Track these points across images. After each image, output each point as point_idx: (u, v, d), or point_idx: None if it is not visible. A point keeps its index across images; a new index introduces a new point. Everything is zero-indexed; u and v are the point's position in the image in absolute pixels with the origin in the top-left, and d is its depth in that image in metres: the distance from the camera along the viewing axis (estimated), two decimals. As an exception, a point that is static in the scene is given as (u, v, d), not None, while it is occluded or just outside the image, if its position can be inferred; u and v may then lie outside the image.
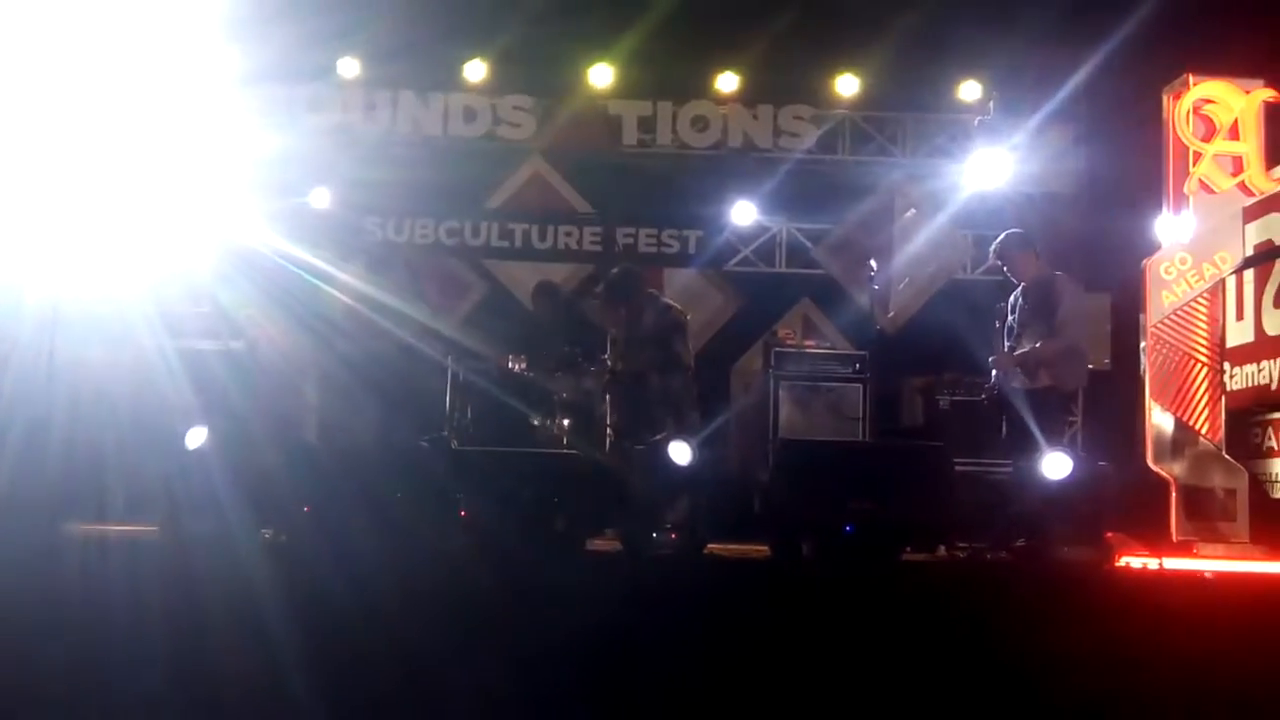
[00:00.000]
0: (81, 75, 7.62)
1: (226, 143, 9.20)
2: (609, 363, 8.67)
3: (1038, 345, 7.49)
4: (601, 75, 10.89)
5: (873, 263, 9.12)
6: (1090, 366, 8.85)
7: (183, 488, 6.65)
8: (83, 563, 5.09)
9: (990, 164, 10.74)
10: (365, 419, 8.30)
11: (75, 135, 7.61)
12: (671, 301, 8.82)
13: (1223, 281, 7.87)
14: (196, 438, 6.97)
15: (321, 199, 10.65)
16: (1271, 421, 7.56)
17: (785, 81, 11.12)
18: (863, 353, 9.95)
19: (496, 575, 5.90)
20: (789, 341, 10.46)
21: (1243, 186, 7.81)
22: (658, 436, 7.90)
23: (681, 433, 7.70)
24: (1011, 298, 7.80)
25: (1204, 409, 7.78)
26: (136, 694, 3.57)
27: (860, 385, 9.74)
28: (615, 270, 8.95)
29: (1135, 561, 6.96)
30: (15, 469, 6.18)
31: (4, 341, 6.91)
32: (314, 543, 6.65)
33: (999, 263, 7.86)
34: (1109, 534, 7.18)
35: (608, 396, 8.67)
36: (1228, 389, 7.83)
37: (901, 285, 11.12)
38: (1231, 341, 7.89)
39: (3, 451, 6.27)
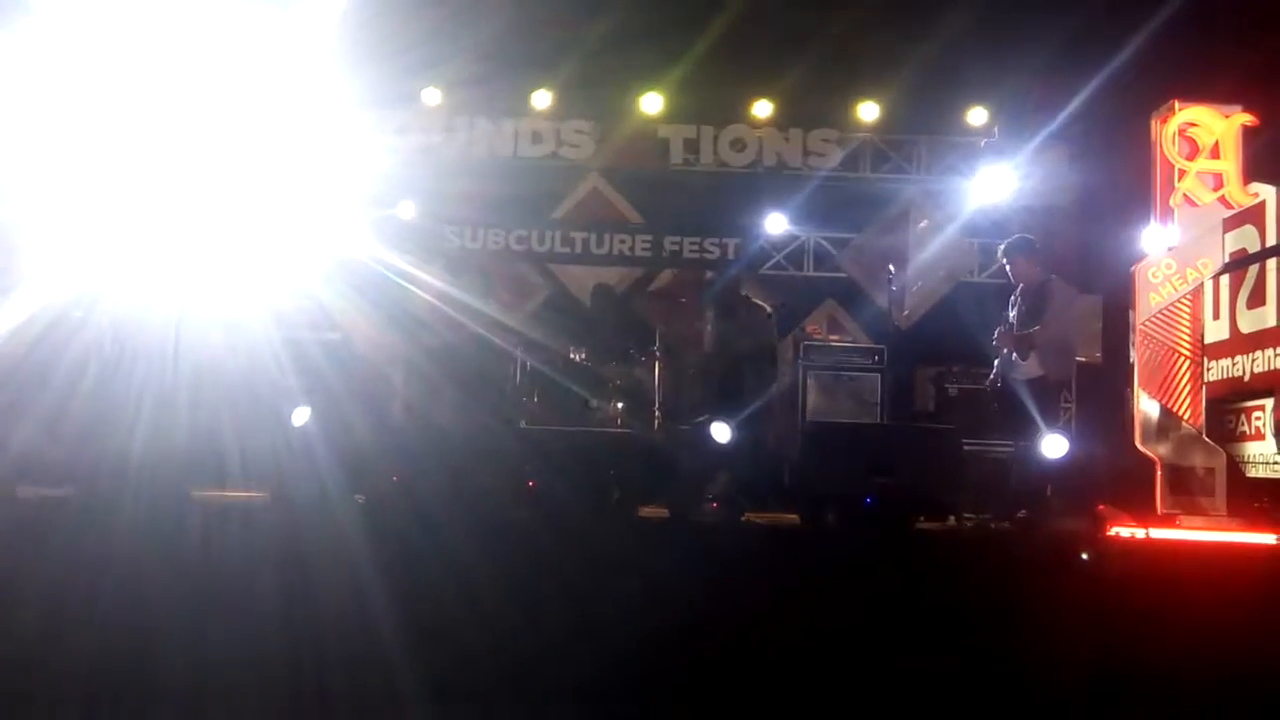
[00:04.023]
0: (200, 107, 7.74)
1: (326, 161, 9.27)
2: (711, 357, 8.55)
3: (1030, 330, 7.43)
4: (652, 102, 10.89)
5: (890, 267, 9.07)
6: (1083, 359, 8.77)
7: (289, 459, 6.73)
8: (205, 522, 5.17)
9: (995, 181, 10.62)
10: (445, 401, 8.34)
11: (195, 157, 7.72)
12: (761, 302, 8.65)
13: (1203, 285, 7.79)
14: (301, 416, 7.04)
15: (408, 210, 10.70)
16: (1245, 409, 7.47)
17: (814, 108, 11.06)
18: (881, 346, 9.89)
19: (559, 538, 5.93)
20: (816, 336, 10.44)
21: (1223, 200, 7.74)
22: (700, 418, 7.90)
23: (769, 417, 7.68)
24: (1012, 297, 7.75)
25: (1186, 397, 7.70)
26: (250, 628, 3.63)
27: (879, 375, 9.68)
28: (712, 279, 8.87)
29: (1124, 531, 6.89)
30: (147, 443, 6.27)
31: (134, 333, 7.00)
32: (400, 507, 6.71)
33: (1004, 261, 7.81)
34: (1101, 507, 7.11)
35: (697, 385, 8.63)
36: (1207, 380, 7.75)
37: (915, 287, 11.03)
38: (1210, 338, 7.81)
39: (137, 428, 6.36)
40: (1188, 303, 7.77)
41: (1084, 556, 4.35)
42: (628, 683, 3.65)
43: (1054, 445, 7.12)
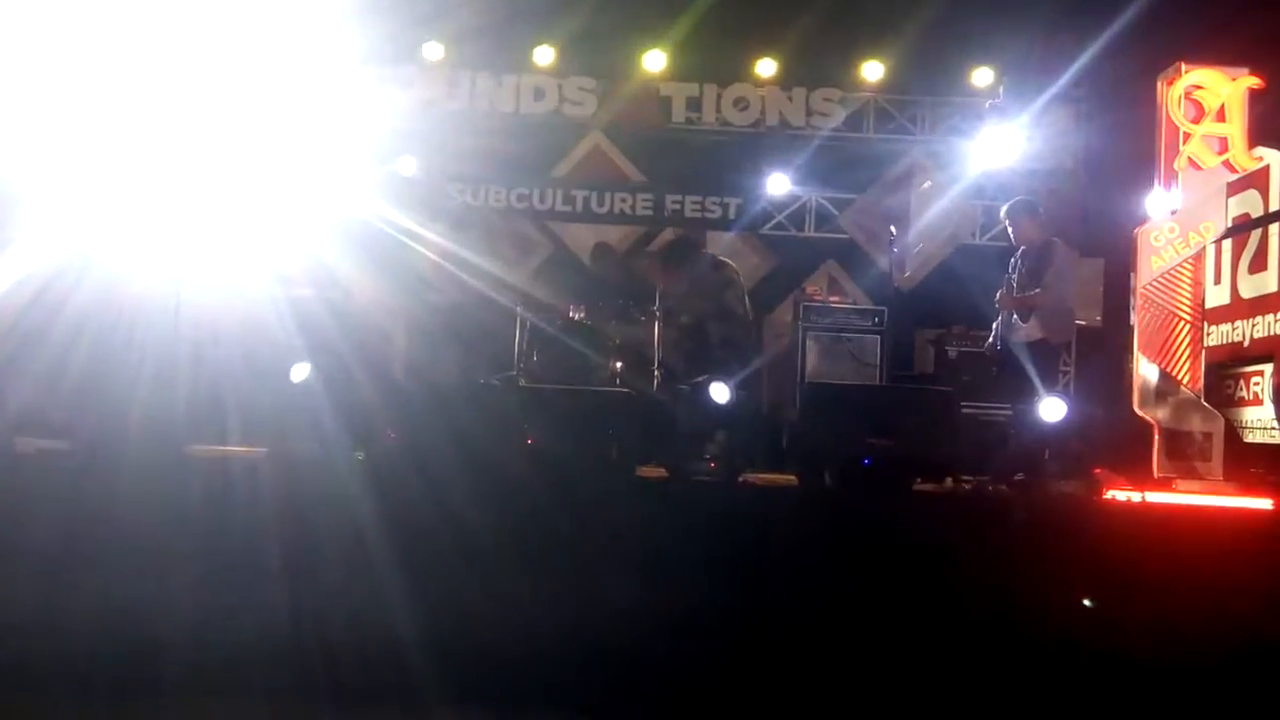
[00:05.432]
0: (200, 64, 7.69)
1: (326, 117, 9.22)
2: (675, 316, 8.59)
3: (1031, 293, 7.42)
4: (655, 60, 10.82)
5: (892, 229, 9.02)
6: (1083, 322, 8.76)
7: (289, 416, 6.74)
8: (205, 479, 5.18)
9: (999, 142, 10.53)
10: (446, 359, 8.33)
11: (195, 114, 7.68)
12: (725, 259, 8.68)
13: (1205, 249, 7.75)
14: (300, 373, 7.04)
15: (409, 167, 10.63)
16: (1244, 374, 7.46)
17: (817, 67, 10.99)
18: (881, 308, 9.87)
19: (557, 496, 5.94)
20: (816, 297, 10.40)
21: (1227, 164, 7.68)
22: (700, 378, 7.89)
23: (739, 372, 7.69)
24: (1013, 259, 7.71)
25: (1185, 362, 7.69)
26: (251, 582, 3.64)
27: (878, 336, 9.66)
28: (670, 238, 8.93)
29: (1120, 495, 6.89)
30: (148, 399, 6.28)
31: (134, 288, 6.98)
32: (400, 464, 6.72)
33: (1006, 222, 7.77)
34: (1097, 470, 7.12)
35: (669, 343, 8.64)
36: (1206, 345, 7.73)
37: (917, 249, 10.99)
38: (1211, 303, 7.78)
39: (138, 385, 6.37)
40: (1189, 267, 7.74)
41: (1086, 603, 4.35)
42: (624, 640, 3.67)
43: (1052, 408, 7.11)
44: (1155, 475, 7.38)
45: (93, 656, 3.04)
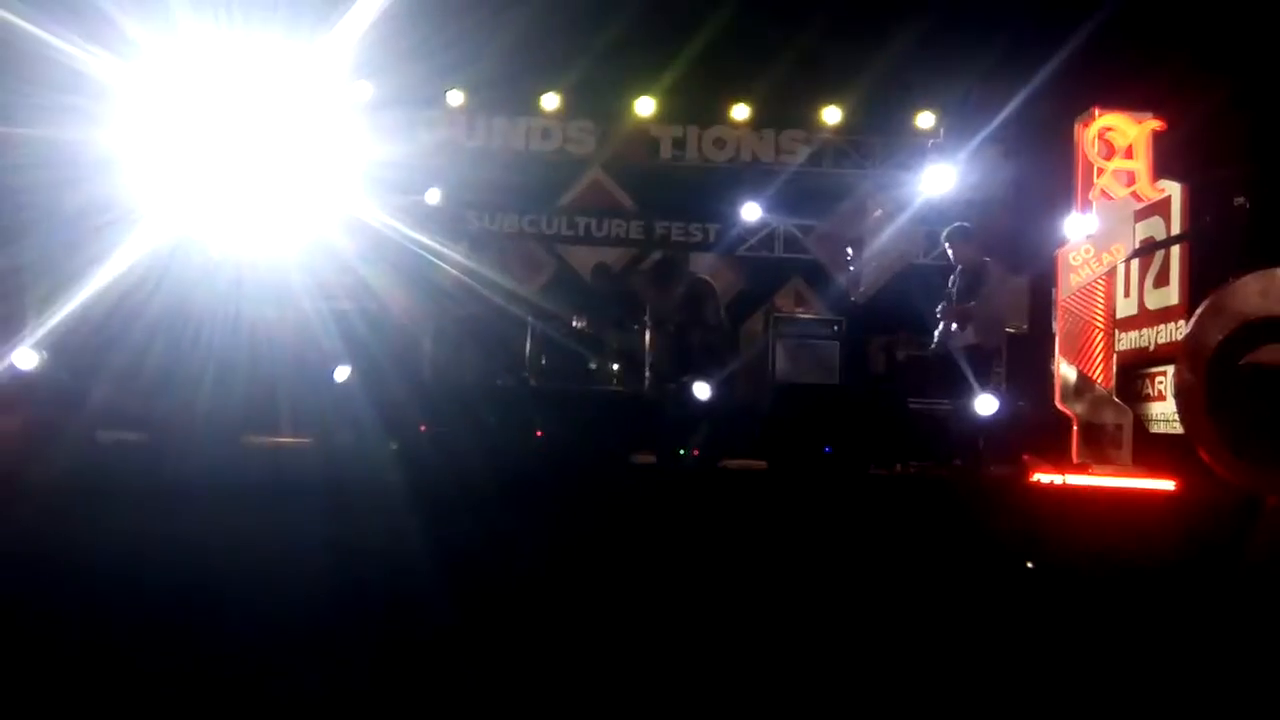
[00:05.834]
0: (265, 111, 7.77)
1: (365, 154, 9.26)
2: (663, 326, 8.65)
3: (967, 305, 7.50)
4: (645, 105, 10.84)
5: (849, 250, 9.07)
6: (1012, 330, 8.81)
7: (332, 411, 6.77)
8: (259, 463, 5.21)
9: (940, 176, 10.60)
10: (466, 362, 8.37)
11: (258, 154, 7.75)
12: (704, 277, 8.82)
13: (1116, 267, 7.82)
14: (342, 374, 7.07)
15: (434, 196, 10.63)
16: (1150, 374, 7.52)
17: (784, 111, 11.03)
18: (840, 318, 9.89)
19: (563, 479, 5.98)
20: (784, 309, 10.43)
21: (1134, 195, 7.73)
22: (684, 378, 7.93)
23: (717, 373, 7.76)
24: (952, 276, 7.77)
25: (1100, 364, 7.75)
26: (299, 549, 3.68)
27: (837, 343, 9.69)
28: (659, 258, 9.01)
29: (1044, 477, 6.95)
30: (212, 396, 6.31)
31: (200, 300, 7.00)
32: (427, 452, 6.75)
33: (946, 245, 7.82)
34: (1025, 456, 7.17)
35: (658, 348, 8.68)
36: (1118, 349, 7.79)
37: (870, 267, 11.04)
38: (1121, 313, 7.84)
39: (203, 384, 6.40)
40: (1102, 283, 7.80)
41: (1029, 565, 4.39)
42: (621, 598, 3.70)
43: (986, 404, 7.18)
44: (1074, 461, 7.43)
45: (167, 606, 3.09)
